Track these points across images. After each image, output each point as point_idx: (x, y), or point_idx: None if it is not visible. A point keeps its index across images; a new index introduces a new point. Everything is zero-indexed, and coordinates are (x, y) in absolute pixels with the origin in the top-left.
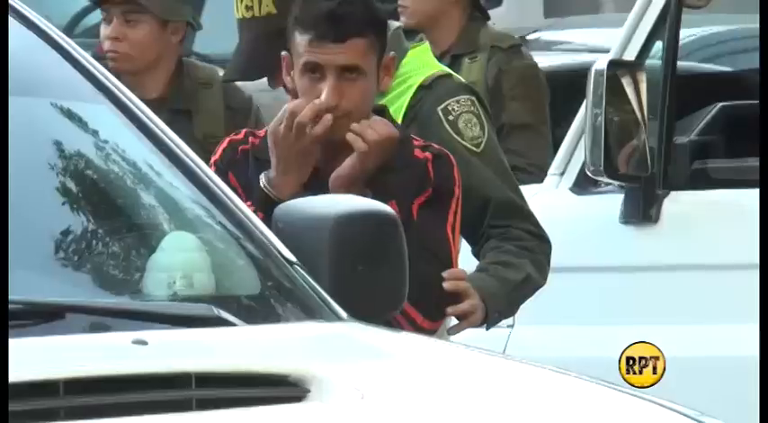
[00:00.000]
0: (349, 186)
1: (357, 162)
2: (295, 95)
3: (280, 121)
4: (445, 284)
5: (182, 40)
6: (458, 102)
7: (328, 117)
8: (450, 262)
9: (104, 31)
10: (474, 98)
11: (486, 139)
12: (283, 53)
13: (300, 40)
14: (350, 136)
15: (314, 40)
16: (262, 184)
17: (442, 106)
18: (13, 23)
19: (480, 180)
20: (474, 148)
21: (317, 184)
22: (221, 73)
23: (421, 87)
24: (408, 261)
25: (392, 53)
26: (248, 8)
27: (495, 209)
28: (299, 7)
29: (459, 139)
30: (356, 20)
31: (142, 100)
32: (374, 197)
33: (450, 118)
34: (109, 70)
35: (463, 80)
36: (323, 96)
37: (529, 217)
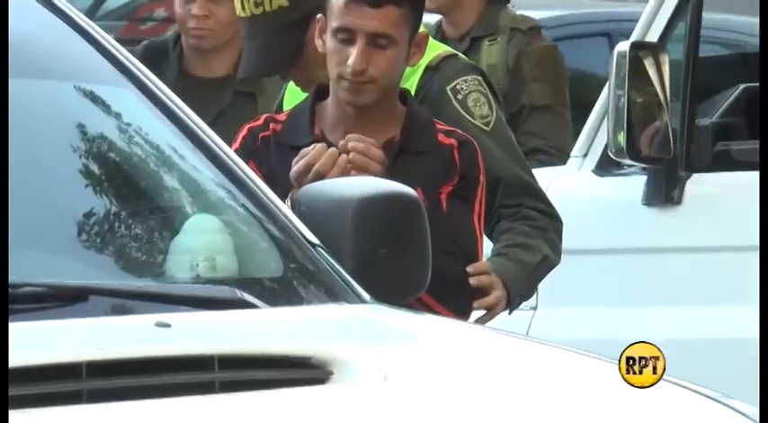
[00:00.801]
0: None
1: None
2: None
3: (304, 170)
4: (471, 280)
5: None
6: (465, 81)
7: (343, 158)
8: (476, 254)
9: (184, 8)
10: (480, 77)
11: (495, 118)
12: (318, 15)
13: (337, 0)
14: None
15: (350, 2)
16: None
17: (451, 86)
18: (35, 7)
19: (491, 159)
20: (484, 127)
21: None
22: None
23: (428, 68)
24: (434, 253)
25: (424, 30)
26: (257, 4)
27: (505, 188)
28: None
29: (469, 118)
30: None
31: (208, 78)
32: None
33: (459, 97)
34: (187, 47)
35: (467, 59)
36: (350, 60)
37: (539, 195)
